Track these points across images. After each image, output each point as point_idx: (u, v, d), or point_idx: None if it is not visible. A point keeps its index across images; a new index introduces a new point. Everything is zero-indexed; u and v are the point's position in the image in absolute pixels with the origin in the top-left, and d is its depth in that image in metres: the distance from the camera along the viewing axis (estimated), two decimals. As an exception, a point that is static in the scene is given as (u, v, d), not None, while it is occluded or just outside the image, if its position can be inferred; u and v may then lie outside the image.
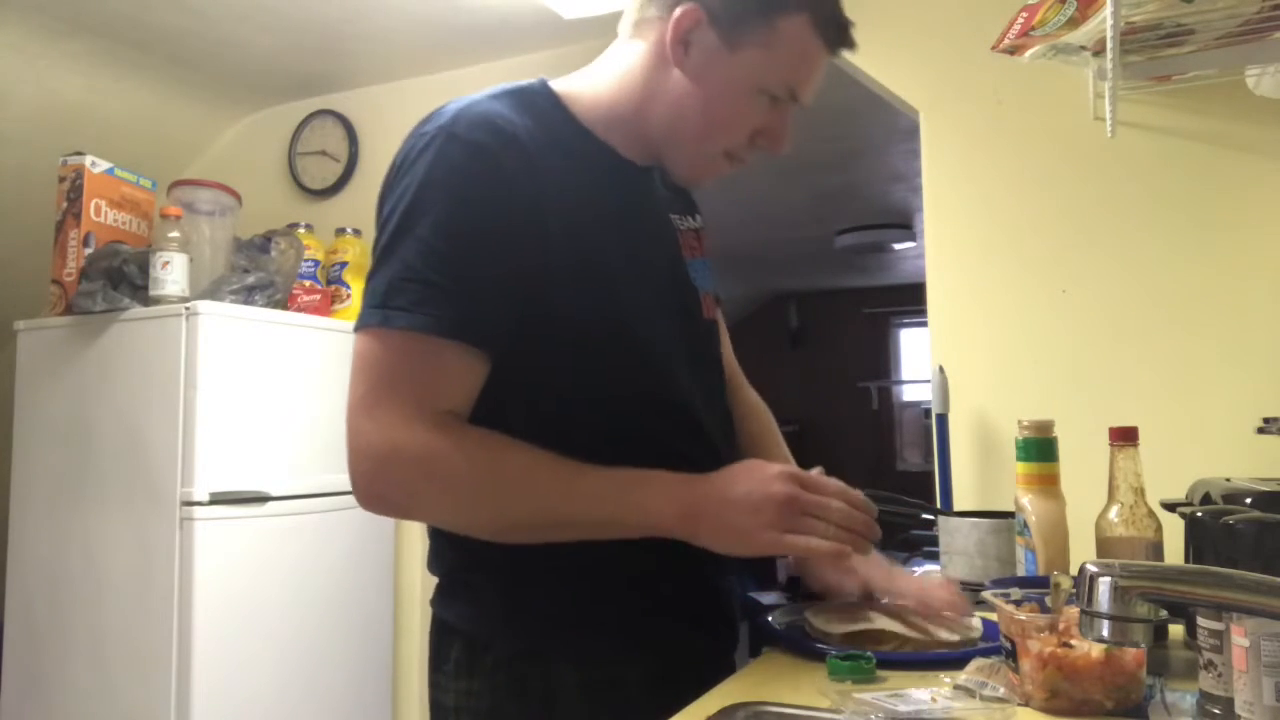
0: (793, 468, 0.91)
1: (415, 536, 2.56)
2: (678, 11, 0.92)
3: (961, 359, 1.96)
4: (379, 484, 0.86)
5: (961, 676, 0.92)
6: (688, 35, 0.93)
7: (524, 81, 0.97)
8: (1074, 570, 0.77)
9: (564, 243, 0.89)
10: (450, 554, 0.97)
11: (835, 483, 0.90)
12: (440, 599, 0.99)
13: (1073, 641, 0.85)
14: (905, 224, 4.58)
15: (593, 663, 0.93)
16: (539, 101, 0.96)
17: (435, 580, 1.00)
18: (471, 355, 0.87)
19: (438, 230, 0.85)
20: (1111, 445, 1.17)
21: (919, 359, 6.46)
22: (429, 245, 0.84)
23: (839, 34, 0.97)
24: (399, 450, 0.84)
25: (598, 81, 1.00)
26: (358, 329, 0.88)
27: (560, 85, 0.99)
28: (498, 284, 0.86)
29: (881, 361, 6.57)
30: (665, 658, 0.96)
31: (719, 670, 1.00)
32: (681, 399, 0.98)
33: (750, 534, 0.86)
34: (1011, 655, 0.90)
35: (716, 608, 1.05)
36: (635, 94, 0.97)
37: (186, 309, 2.03)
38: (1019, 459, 1.28)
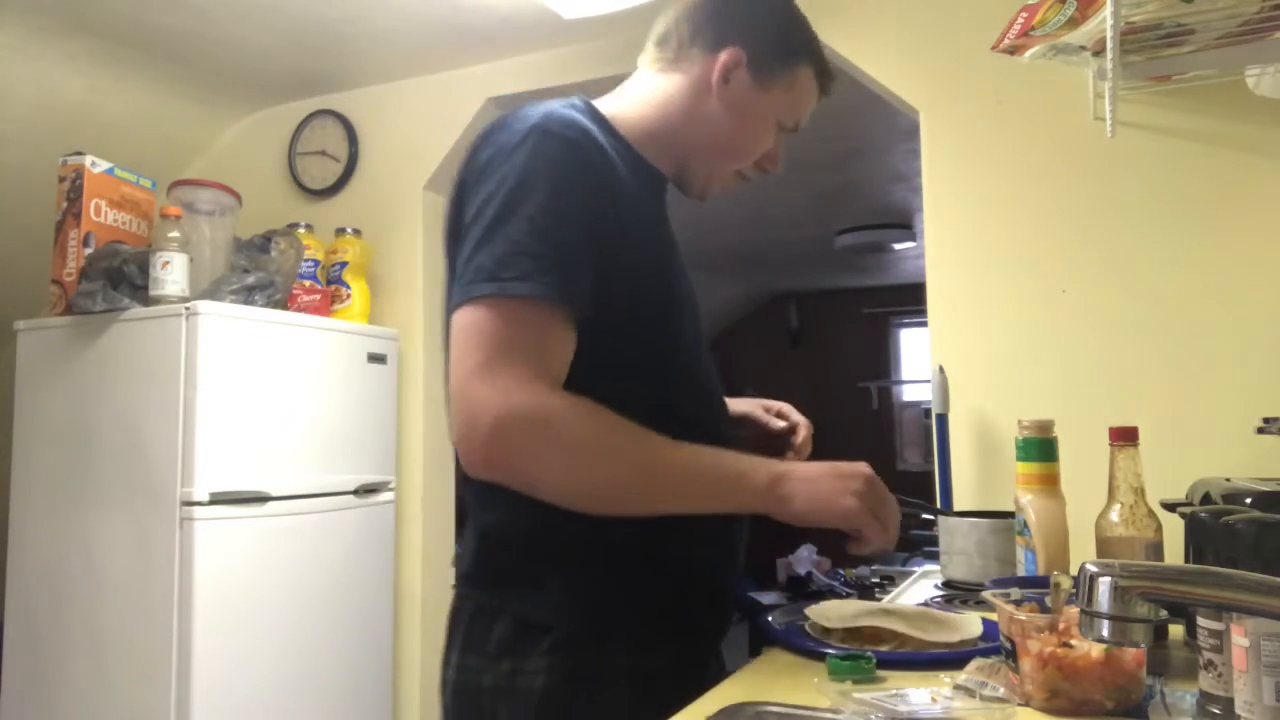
0: None
1: (415, 537, 2.56)
2: (723, 54, 1.10)
3: (961, 359, 1.96)
4: (498, 448, 0.89)
5: (961, 676, 0.92)
6: (729, 73, 1.10)
7: (571, 99, 1.08)
8: (1074, 570, 0.77)
9: (626, 234, 1.00)
10: (511, 539, 1.02)
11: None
12: (487, 584, 1.03)
13: (1073, 641, 0.85)
14: (905, 224, 4.57)
15: (640, 649, 1.00)
16: (593, 115, 1.08)
17: (469, 565, 1.05)
18: (571, 324, 0.94)
19: (543, 211, 0.92)
20: (1111, 445, 1.17)
21: (919, 359, 6.46)
22: (536, 224, 0.92)
23: (828, 81, 1.18)
24: (520, 413, 0.88)
25: (637, 103, 1.14)
26: (462, 303, 0.92)
27: (601, 105, 1.13)
28: (588, 262, 0.95)
29: (881, 361, 6.57)
30: (696, 646, 1.08)
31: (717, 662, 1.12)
32: (705, 378, 1.12)
33: (835, 497, 0.95)
34: (1011, 655, 0.90)
35: (729, 603, 1.15)
36: (675, 116, 1.12)
37: (186, 309, 2.03)
38: (1019, 459, 1.28)
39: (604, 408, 0.92)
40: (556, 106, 1.01)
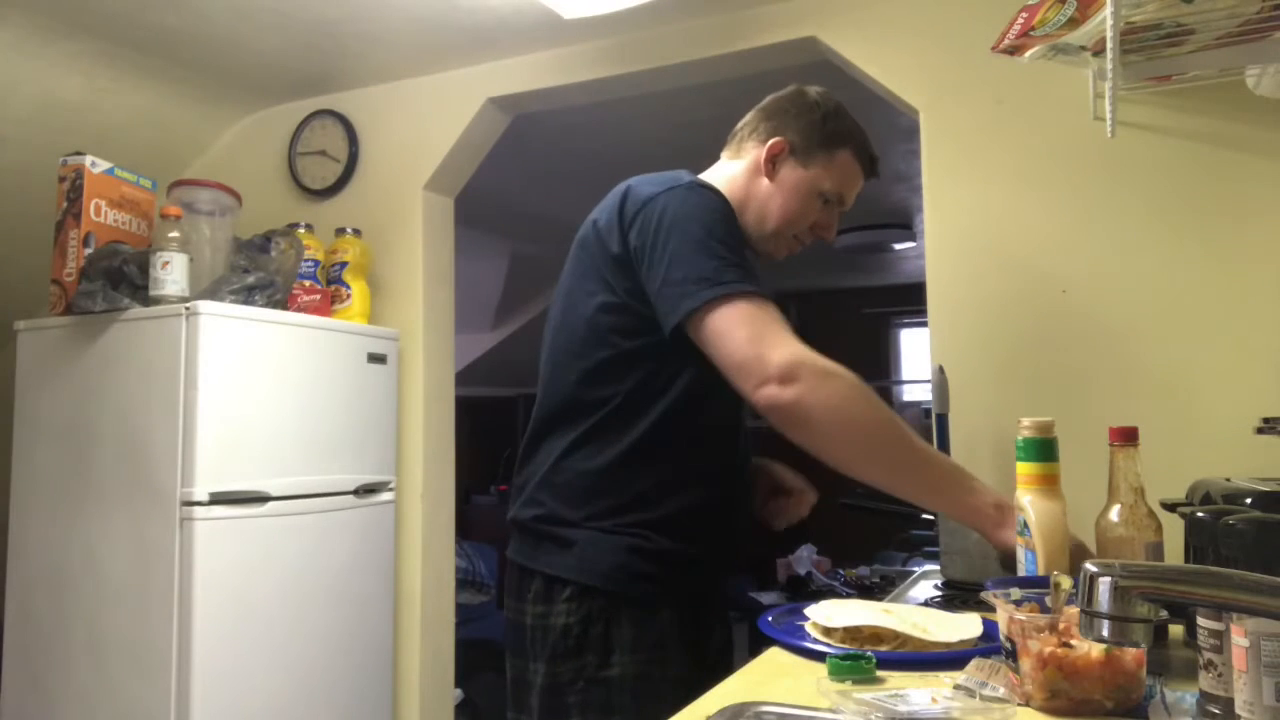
0: None
1: (415, 537, 2.56)
2: (770, 141, 1.40)
3: (961, 359, 1.96)
4: (794, 386, 1.13)
5: (961, 676, 0.92)
6: (775, 156, 1.40)
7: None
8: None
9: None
10: (549, 510, 1.31)
11: None
12: (523, 551, 1.34)
13: (1073, 641, 0.85)
14: (905, 224, 4.58)
15: (642, 605, 1.27)
16: None
17: (513, 545, 1.37)
18: None
19: (726, 238, 1.24)
20: (1111, 445, 1.17)
21: (919, 359, 6.46)
22: (726, 245, 1.23)
23: (871, 164, 1.46)
24: (807, 357, 1.15)
25: (722, 176, 1.43)
26: (697, 308, 1.18)
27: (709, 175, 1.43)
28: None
29: (881, 361, 6.57)
30: (691, 605, 1.32)
31: (717, 620, 1.42)
32: (738, 414, 1.38)
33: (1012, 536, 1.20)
34: (1011, 655, 0.90)
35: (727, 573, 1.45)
36: (738, 192, 1.40)
37: (186, 309, 2.03)
38: (1019, 459, 1.28)
39: None
40: (691, 176, 1.33)
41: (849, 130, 1.42)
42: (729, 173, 1.43)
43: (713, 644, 1.39)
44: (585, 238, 1.34)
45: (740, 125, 1.46)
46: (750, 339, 1.16)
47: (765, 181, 1.40)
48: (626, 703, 1.24)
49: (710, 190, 1.29)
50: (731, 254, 1.21)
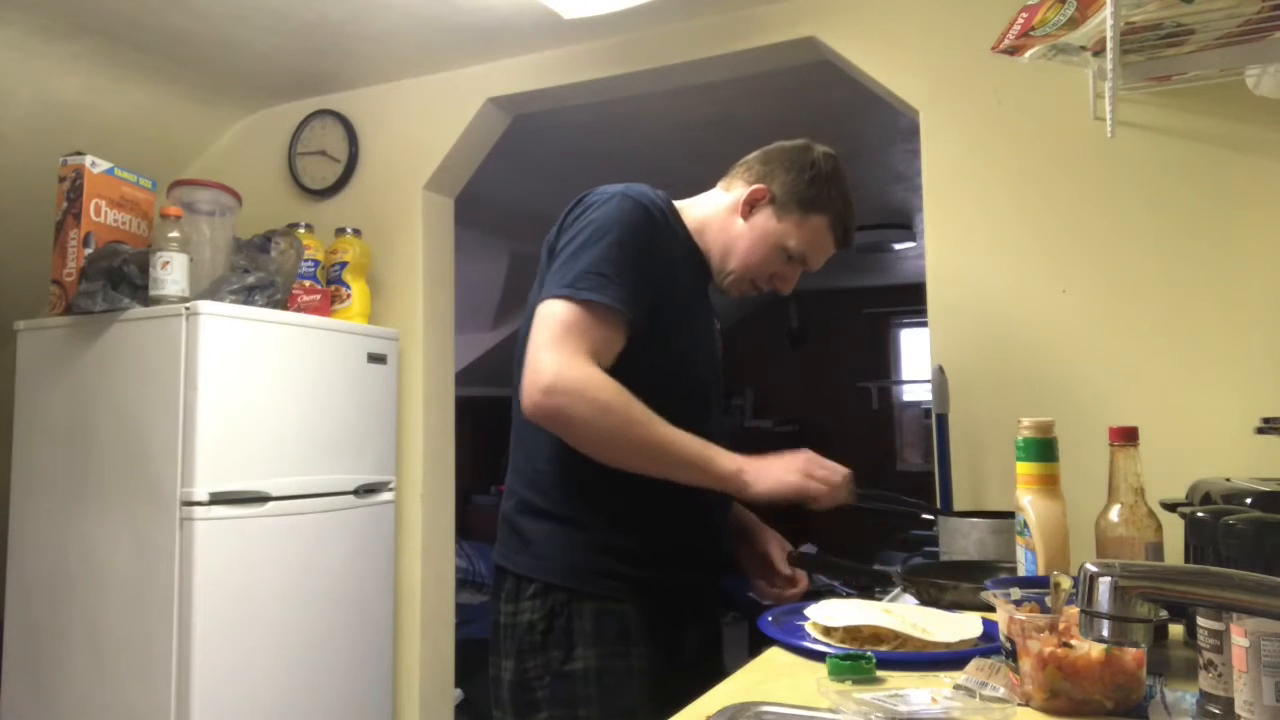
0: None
1: (415, 537, 2.56)
2: (754, 186, 1.46)
3: (961, 359, 1.96)
4: (549, 397, 1.22)
5: (961, 676, 0.92)
6: (755, 203, 1.45)
7: (655, 190, 1.42)
8: (1074, 570, 0.77)
9: (669, 284, 1.36)
10: (510, 517, 1.39)
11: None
12: (500, 550, 1.40)
13: (1073, 641, 0.85)
14: (905, 224, 4.58)
15: (603, 599, 1.31)
16: (666, 201, 1.44)
17: (497, 547, 1.42)
18: (621, 328, 1.29)
19: (612, 247, 1.28)
20: (1111, 445, 1.17)
21: (919, 359, 6.46)
22: (607, 255, 1.27)
23: (845, 236, 1.50)
24: (568, 375, 1.22)
25: (698, 205, 1.50)
26: (547, 298, 1.27)
27: (677, 201, 1.49)
28: (641, 290, 1.30)
29: (881, 361, 6.57)
30: (657, 600, 1.35)
31: (702, 611, 1.47)
32: (701, 403, 1.44)
33: (784, 476, 1.29)
34: (1011, 655, 0.90)
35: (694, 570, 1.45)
36: (713, 221, 1.48)
37: (186, 309, 2.03)
38: (1019, 459, 1.28)
39: (628, 392, 1.24)
40: (637, 185, 1.37)
41: (831, 199, 1.46)
42: (714, 203, 1.49)
43: (689, 641, 1.41)
44: (545, 243, 1.41)
45: (742, 160, 1.52)
46: (544, 343, 1.24)
47: (740, 221, 1.45)
48: (592, 695, 1.28)
49: (633, 201, 1.33)
50: (609, 264, 1.26)
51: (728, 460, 1.28)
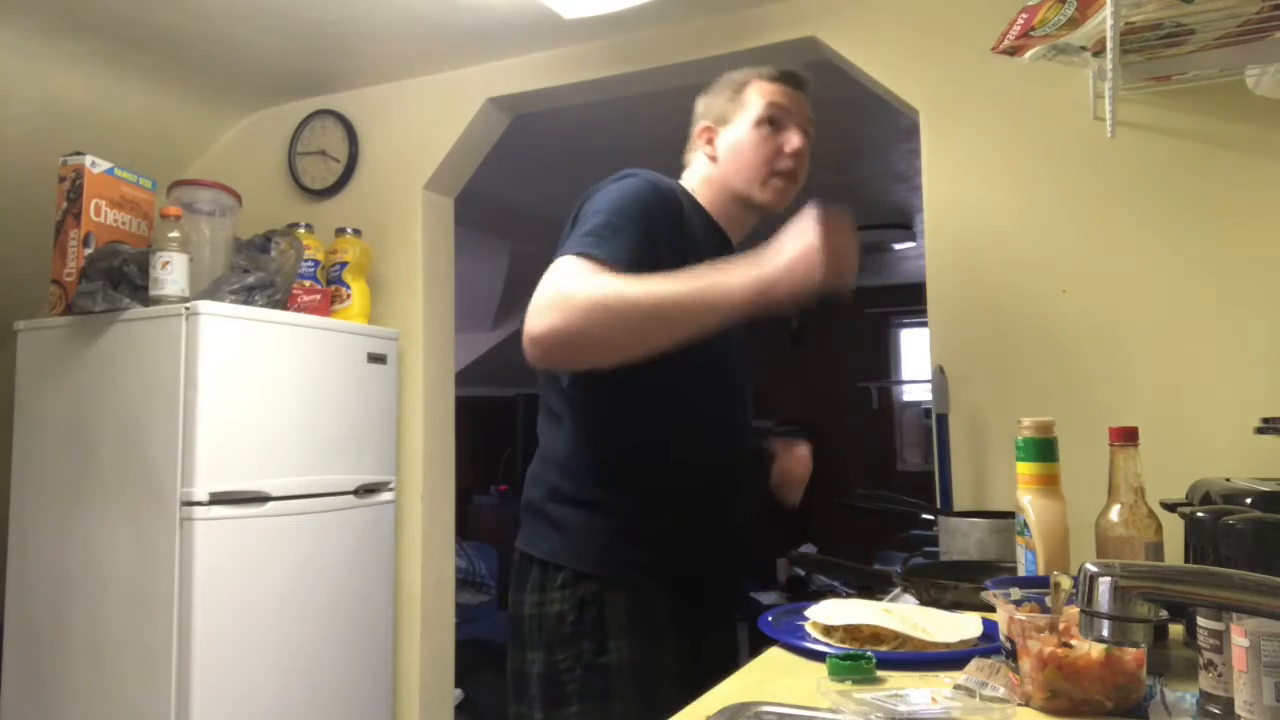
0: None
1: (415, 537, 2.56)
2: (696, 130, 1.54)
3: (961, 359, 1.96)
4: (539, 324, 1.16)
5: (961, 676, 0.92)
6: (707, 138, 1.51)
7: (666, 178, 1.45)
8: (1074, 570, 0.77)
9: (688, 248, 1.35)
10: (539, 505, 1.38)
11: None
12: (526, 538, 1.39)
13: (1073, 641, 0.85)
14: (905, 224, 4.58)
15: (634, 589, 1.31)
16: (679, 186, 1.48)
17: (521, 535, 1.41)
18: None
19: (613, 214, 1.30)
20: (1111, 445, 1.17)
21: (919, 359, 6.46)
22: (607, 220, 1.28)
23: (782, 76, 1.49)
24: (553, 301, 1.18)
25: (692, 179, 1.54)
26: (559, 256, 1.26)
27: (683, 181, 1.54)
28: (643, 247, 1.28)
29: (881, 361, 6.57)
30: (681, 589, 1.36)
31: (718, 613, 1.48)
32: (702, 410, 1.42)
33: (805, 274, 1.17)
34: (1011, 655, 0.90)
35: (715, 561, 1.45)
36: (709, 182, 1.50)
37: (186, 309, 2.03)
38: (1019, 459, 1.28)
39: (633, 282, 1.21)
40: (653, 172, 1.40)
41: (747, 73, 1.50)
42: (696, 174, 1.53)
43: (710, 636, 1.42)
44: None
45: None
46: (541, 287, 1.21)
47: (714, 162, 1.49)
48: (626, 687, 1.26)
49: (639, 178, 1.36)
50: (607, 227, 1.27)
51: (737, 281, 1.18)
